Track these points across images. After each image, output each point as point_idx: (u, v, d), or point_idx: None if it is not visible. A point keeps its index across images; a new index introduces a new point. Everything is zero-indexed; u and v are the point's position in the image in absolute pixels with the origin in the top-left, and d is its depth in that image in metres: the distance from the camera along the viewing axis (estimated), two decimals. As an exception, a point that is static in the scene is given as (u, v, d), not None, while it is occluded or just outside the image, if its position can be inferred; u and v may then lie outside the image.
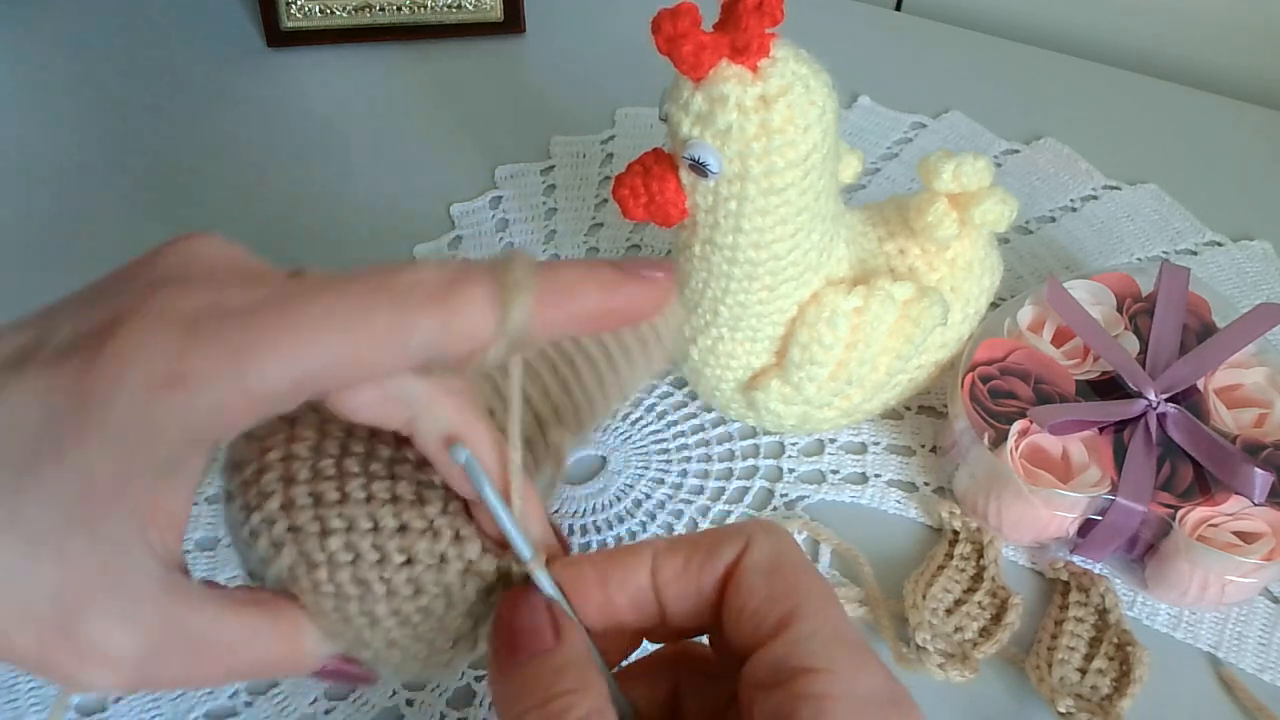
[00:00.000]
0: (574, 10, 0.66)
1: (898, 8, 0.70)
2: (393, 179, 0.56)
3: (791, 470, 0.44)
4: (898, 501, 0.43)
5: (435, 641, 0.26)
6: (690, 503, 0.43)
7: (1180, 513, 0.37)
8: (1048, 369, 0.40)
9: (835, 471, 0.44)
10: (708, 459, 0.44)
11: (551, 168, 0.56)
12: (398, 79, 0.62)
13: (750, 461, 0.44)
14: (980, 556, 0.40)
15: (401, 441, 0.25)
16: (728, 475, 0.44)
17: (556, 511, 0.42)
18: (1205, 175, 0.56)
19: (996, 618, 0.38)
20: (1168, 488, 0.37)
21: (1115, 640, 0.37)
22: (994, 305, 0.50)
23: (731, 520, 0.42)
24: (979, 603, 0.38)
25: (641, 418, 0.45)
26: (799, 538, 0.41)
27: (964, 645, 0.37)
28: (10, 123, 0.59)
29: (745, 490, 0.43)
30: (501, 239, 0.53)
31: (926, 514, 0.42)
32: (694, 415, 0.46)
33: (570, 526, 0.42)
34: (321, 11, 0.62)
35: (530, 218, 0.54)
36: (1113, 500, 0.37)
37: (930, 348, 0.41)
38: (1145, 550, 0.39)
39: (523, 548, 0.25)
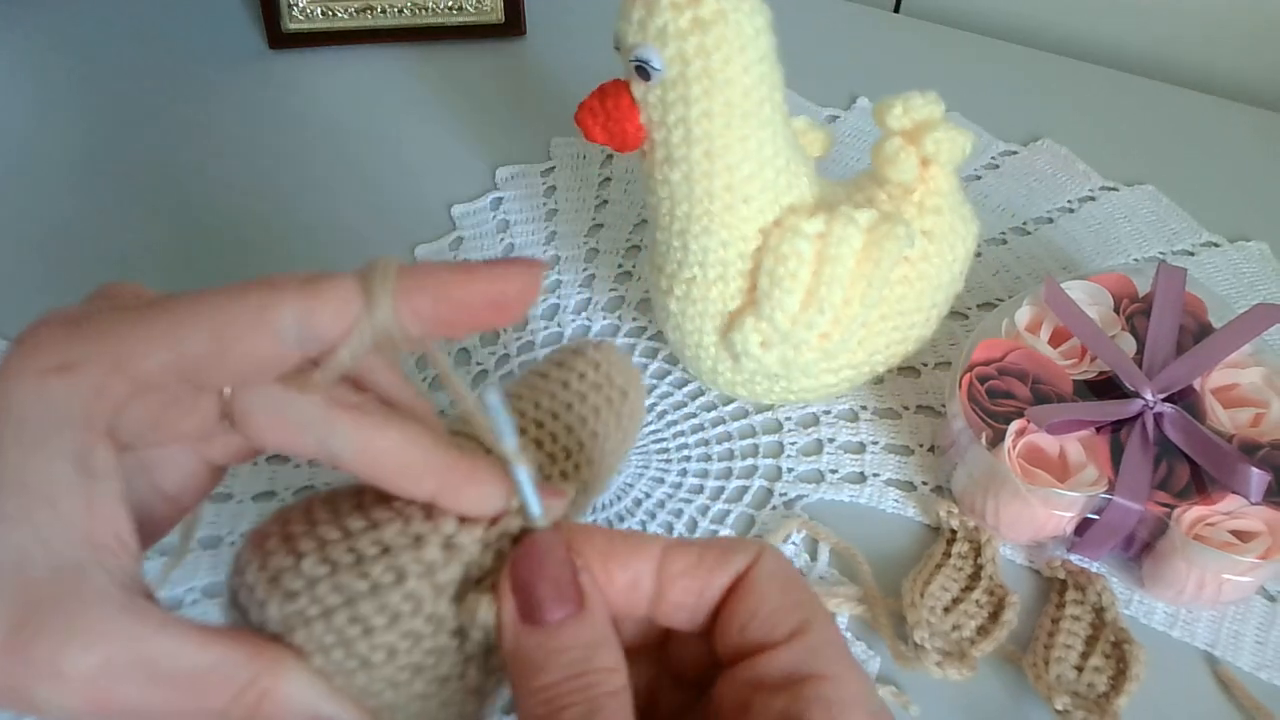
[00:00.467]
0: (574, 12, 0.66)
1: (896, 9, 0.70)
2: (394, 180, 0.56)
3: (790, 469, 0.44)
4: (896, 500, 0.43)
5: (448, 687, 0.25)
6: (690, 502, 0.43)
7: (1177, 512, 0.37)
8: (1045, 369, 0.41)
9: (834, 471, 0.44)
10: (707, 458, 0.44)
11: (552, 169, 0.57)
12: (399, 81, 0.62)
13: (749, 461, 0.44)
14: (978, 555, 0.40)
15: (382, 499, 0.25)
16: (727, 474, 0.44)
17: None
18: (1202, 176, 0.56)
19: (994, 616, 0.38)
20: (1164, 487, 0.38)
21: (1112, 638, 0.37)
22: (991, 305, 0.50)
23: (731, 520, 0.42)
24: (976, 601, 0.39)
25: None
26: (798, 537, 0.42)
27: (962, 643, 0.37)
28: (11, 123, 0.59)
29: (744, 489, 0.43)
30: (502, 240, 0.53)
31: (924, 513, 0.42)
32: (693, 415, 0.46)
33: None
34: (323, 13, 0.63)
35: (531, 219, 0.54)
36: (1110, 499, 0.37)
37: (910, 295, 0.41)
38: (1142, 549, 0.39)
39: (534, 503, 0.24)
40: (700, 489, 0.43)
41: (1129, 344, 0.41)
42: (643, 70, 0.36)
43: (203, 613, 0.39)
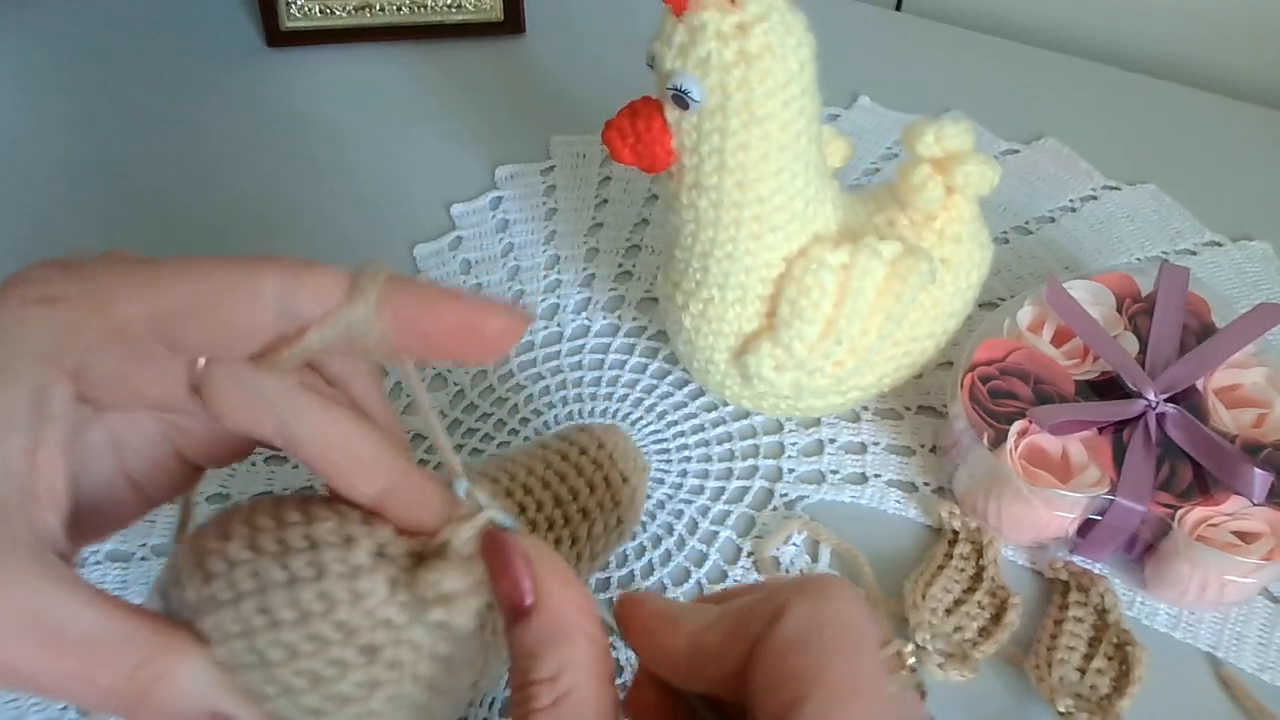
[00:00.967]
0: (574, 10, 0.66)
1: (898, 8, 0.70)
2: (393, 179, 0.56)
3: (791, 470, 0.44)
4: (897, 501, 0.43)
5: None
6: (690, 503, 0.43)
7: (1179, 513, 0.37)
8: (1047, 369, 0.40)
9: (835, 471, 0.44)
10: (708, 459, 0.44)
11: (552, 168, 0.56)
12: (398, 79, 0.62)
13: (750, 461, 0.44)
14: (980, 556, 0.40)
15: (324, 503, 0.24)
16: (728, 475, 0.44)
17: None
18: (1205, 175, 0.56)
19: (996, 618, 0.38)
20: (1167, 488, 0.37)
21: (1114, 640, 0.37)
22: (993, 305, 0.50)
23: (732, 520, 0.42)
24: (979, 602, 0.38)
25: (641, 418, 0.45)
26: (799, 538, 0.41)
27: (964, 645, 0.37)
28: (10, 122, 0.59)
29: (745, 490, 0.43)
30: (502, 239, 0.53)
31: (926, 514, 0.42)
32: (694, 415, 0.46)
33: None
34: (321, 11, 0.62)
35: (530, 218, 0.54)
36: (1112, 500, 0.37)
37: (924, 321, 0.41)
38: (1145, 550, 0.39)
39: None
40: (701, 489, 0.43)
41: (1131, 344, 0.41)
42: (680, 99, 0.35)
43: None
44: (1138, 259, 0.52)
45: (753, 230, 0.37)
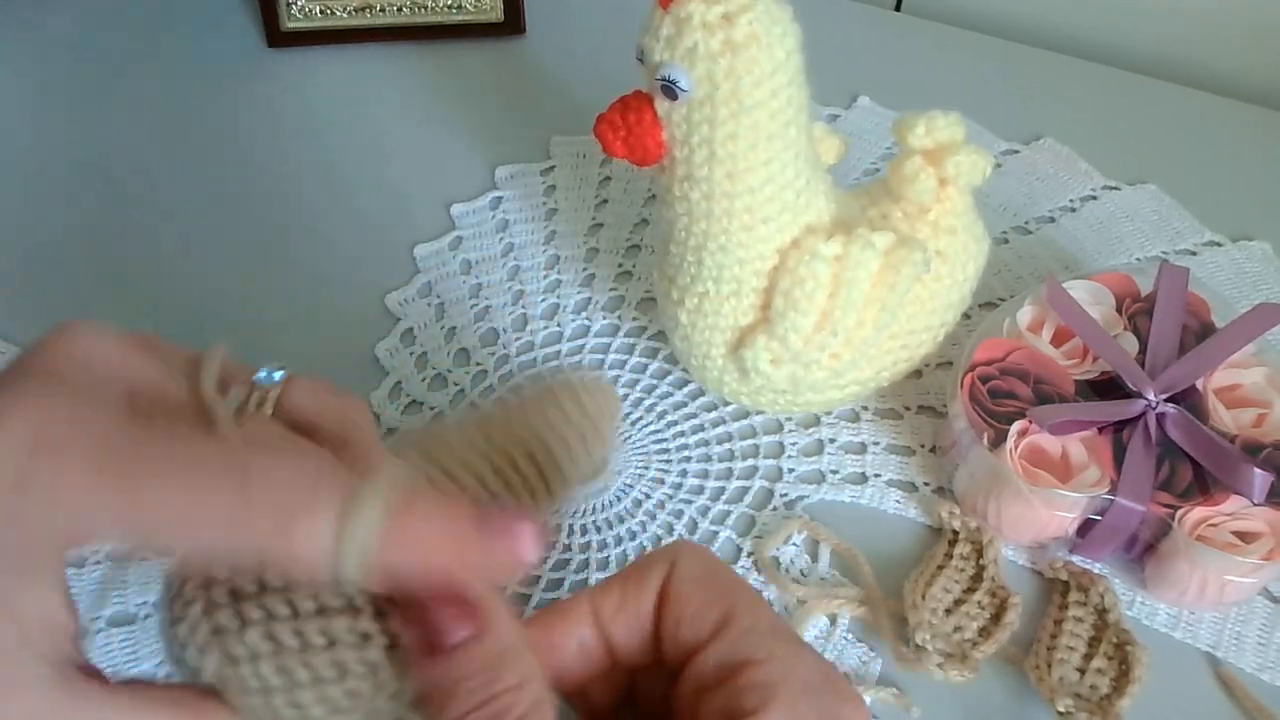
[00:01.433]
0: (574, 11, 0.66)
1: (898, 8, 0.70)
2: (393, 179, 0.56)
3: (791, 470, 0.44)
4: (897, 501, 0.43)
5: None
6: (690, 503, 0.43)
7: (1179, 513, 0.37)
8: (1047, 369, 0.40)
9: (835, 471, 0.44)
10: (708, 459, 0.44)
11: (552, 168, 0.56)
12: (398, 79, 0.62)
13: (750, 461, 0.44)
14: (980, 556, 0.40)
15: None
16: (728, 475, 0.44)
17: (555, 511, 0.42)
18: (1204, 175, 0.56)
19: (996, 617, 0.38)
20: (1167, 488, 0.37)
21: (1114, 640, 0.37)
22: (993, 305, 0.50)
23: (731, 520, 0.42)
24: (978, 602, 0.38)
25: (642, 418, 0.45)
26: (798, 538, 0.41)
27: (963, 645, 0.37)
28: (10, 122, 0.59)
29: (745, 490, 0.43)
30: (502, 239, 0.53)
31: (926, 514, 0.42)
32: (694, 415, 0.46)
33: (570, 527, 0.42)
34: (322, 12, 0.62)
35: (530, 218, 0.54)
36: (1112, 500, 0.37)
37: (921, 314, 0.41)
38: (1144, 550, 0.39)
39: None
40: (701, 489, 0.43)
41: (1131, 344, 0.41)
42: (669, 89, 0.35)
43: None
44: (1137, 259, 0.52)
45: (744, 221, 0.37)
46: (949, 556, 0.40)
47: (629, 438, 0.45)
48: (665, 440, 0.45)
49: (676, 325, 0.42)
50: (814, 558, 0.41)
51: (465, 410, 0.30)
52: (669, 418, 0.46)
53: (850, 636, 0.39)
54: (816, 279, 0.37)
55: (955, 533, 0.41)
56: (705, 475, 0.44)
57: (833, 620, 0.39)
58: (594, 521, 0.42)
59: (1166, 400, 0.39)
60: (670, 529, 0.42)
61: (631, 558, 0.41)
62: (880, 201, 0.40)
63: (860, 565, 0.40)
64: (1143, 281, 0.44)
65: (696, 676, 0.23)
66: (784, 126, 0.36)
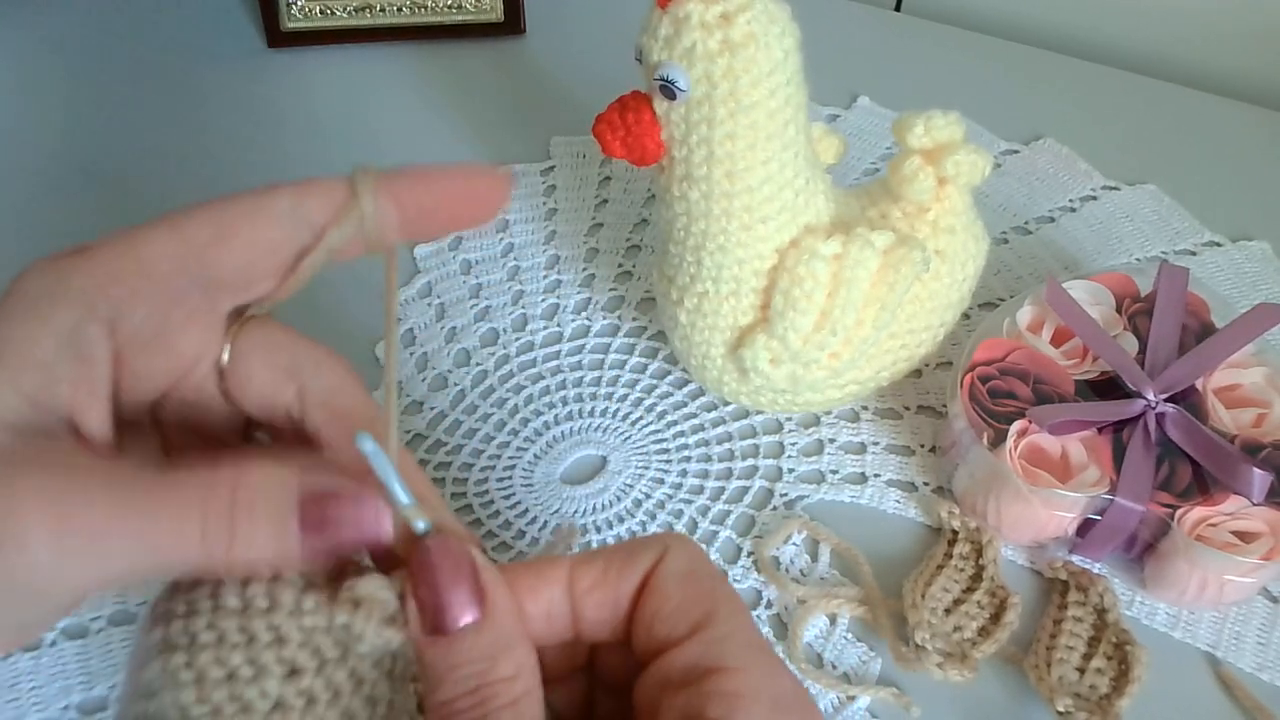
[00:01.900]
0: (574, 10, 0.66)
1: (898, 8, 0.70)
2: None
3: (791, 470, 0.44)
4: (897, 501, 0.43)
5: None
6: (690, 503, 0.43)
7: (1179, 512, 0.37)
8: (1047, 369, 0.40)
9: (835, 471, 0.44)
10: (708, 459, 0.44)
11: (551, 168, 0.57)
12: (398, 80, 0.62)
13: (750, 461, 0.44)
14: (979, 556, 0.40)
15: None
16: (728, 475, 0.44)
17: (556, 512, 0.42)
18: (1204, 176, 0.56)
19: (995, 617, 0.38)
20: (1166, 487, 0.38)
21: (1114, 639, 0.37)
22: (993, 305, 0.50)
23: (731, 520, 0.42)
24: (978, 602, 0.38)
25: (641, 418, 0.46)
26: (798, 537, 0.41)
27: (963, 645, 0.37)
28: (9, 122, 0.59)
29: (745, 490, 0.43)
30: (502, 239, 0.53)
31: (926, 514, 0.42)
32: (694, 415, 0.46)
33: (570, 527, 0.42)
34: (322, 12, 0.62)
35: (530, 218, 0.54)
36: (1111, 500, 0.37)
37: (920, 313, 0.41)
38: (1144, 550, 0.39)
39: (401, 495, 0.23)
40: (700, 489, 0.43)
41: (1131, 344, 0.41)
42: (667, 89, 0.35)
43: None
44: (1137, 259, 0.52)
45: (743, 221, 0.37)
46: (948, 556, 0.40)
47: (629, 438, 0.45)
48: (665, 440, 0.45)
49: (676, 325, 0.42)
50: (814, 557, 0.41)
51: None
52: (669, 418, 0.46)
53: (850, 636, 0.39)
54: (816, 278, 0.37)
55: (955, 532, 0.41)
56: (705, 475, 0.44)
57: (832, 620, 0.39)
58: (594, 522, 0.42)
59: (1166, 400, 0.39)
60: (670, 529, 0.42)
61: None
62: (879, 201, 0.40)
63: (860, 565, 0.40)
64: (1142, 281, 0.44)
65: (664, 672, 0.23)
66: (783, 126, 0.36)
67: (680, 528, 0.42)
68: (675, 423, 0.45)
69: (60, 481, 0.20)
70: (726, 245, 0.38)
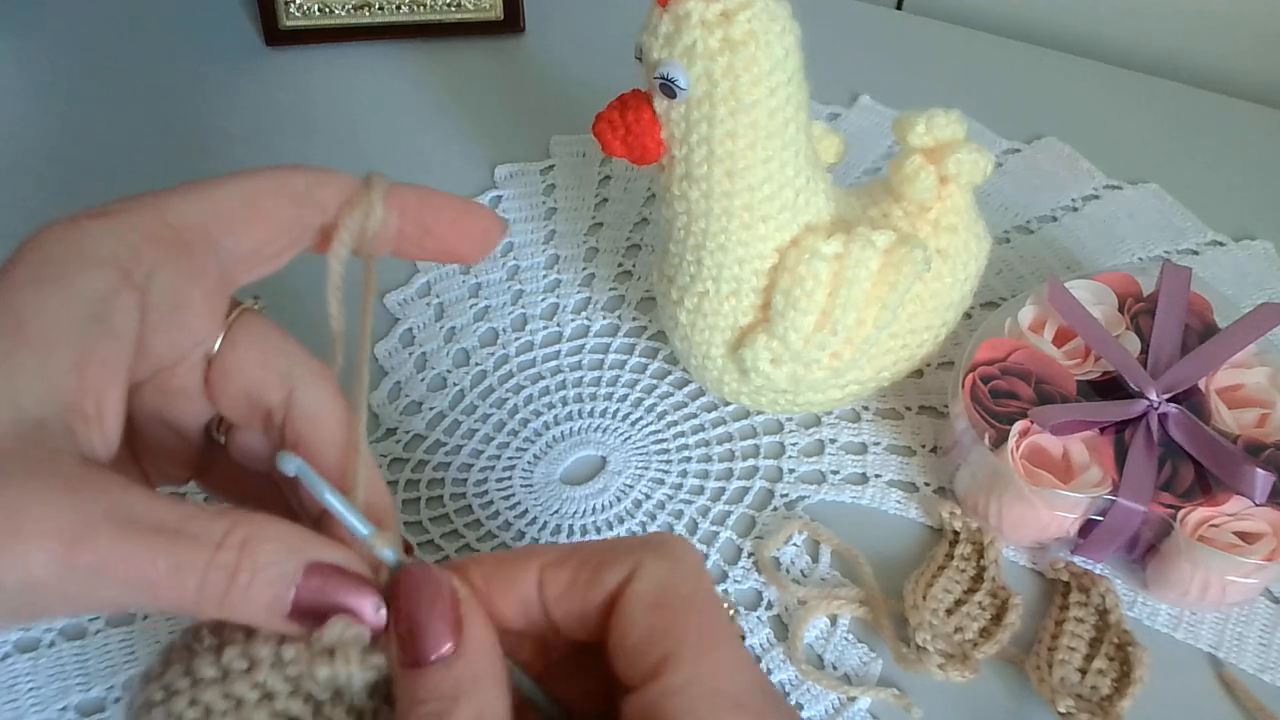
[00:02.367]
0: (574, 10, 0.66)
1: (898, 7, 0.70)
2: (392, 178, 0.56)
3: (792, 470, 0.44)
4: (898, 502, 0.42)
5: None
6: (690, 503, 0.43)
7: (1181, 513, 0.37)
8: (1049, 369, 0.40)
9: (835, 472, 0.43)
10: (708, 459, 0.44)
11: (551, 167, 0.56)
12: (397, 78, 0.62)
13: (750, 462, 0.44)
14: (981, 557, 0.40)
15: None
16: (728, 475, 0.44)
17: (556, 512, 0.42)
18: (1207, 175, 0.56)
19: (997, 618, 0.38)
20: (1169, 488, 0.37)
21: (1115, 640, 0.37)
22: (995, 305, 0.50)
23: (732, 521, 0.42)
24: (979, 603, 0.38)
25: (641, 418, 0.45)
26: (799, 538, 0.41)
27: (964, 645, 0.37)
28: (9, 122, 0.59)
29: (745, 490, 0.43)
30: (502, 239, 0.53)
31: (927, 514, 0.42)
32: (694, 415, 0.45)
33: (570, 527, 0.42)
34: (320, 10, 0.62)
35: (530, 217, 0.54)
36: (1114, 500, 0.37)
37: (922, 313, 0.41)
38: (1146, 550, 0.39)
39: (360, 527, 0.22)
40: (701, 490, 0.43)
41: (1133, 344, 0.41)
42: (667, 87, 0.35)
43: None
44: (1140, 258, 0.52)
45: (744, 220, 0.37)
46: (950, 557, 0.40)
47: (629, 438, 0.45)
48: (665, 440, 0.45)
49: (676, 325, 0.42)
50: (814, 558, 0.41)
51: None
52: (669, 418, 0.45)
53: (851, 637, 0.39)
54: (817, 278, 0.37)
55: (956, 533, 0.41)
56: (705, 475, 0.44)
57: (833, 621, 0.39)
58: (594, 522, 0.42)
59: (1168, 400, 0.39)
60: (670, 529, 0.42)
61: (631, 558, 0.41)
62: (881, 200, 0.40)
63: (861, 566, 0.40)
64: (1145, 281, 0.43)
65: (627, 711, 0.21)
66: (783, 125, 0.36)
67: (680, 528, 0.42)
68: (675, 423, 0.45)
69: (69, 504, 0.19)
70: (727, 244, 0.38)
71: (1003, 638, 0.37)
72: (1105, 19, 0.66)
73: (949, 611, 0.38)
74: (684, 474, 0.44)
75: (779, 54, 0.35)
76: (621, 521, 0.42)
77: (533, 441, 0.45)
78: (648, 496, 0.43)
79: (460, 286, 0.51)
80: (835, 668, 0.38)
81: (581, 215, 0.54)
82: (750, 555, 0.41)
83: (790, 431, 0.45)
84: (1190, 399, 0.39)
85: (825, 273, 0.37)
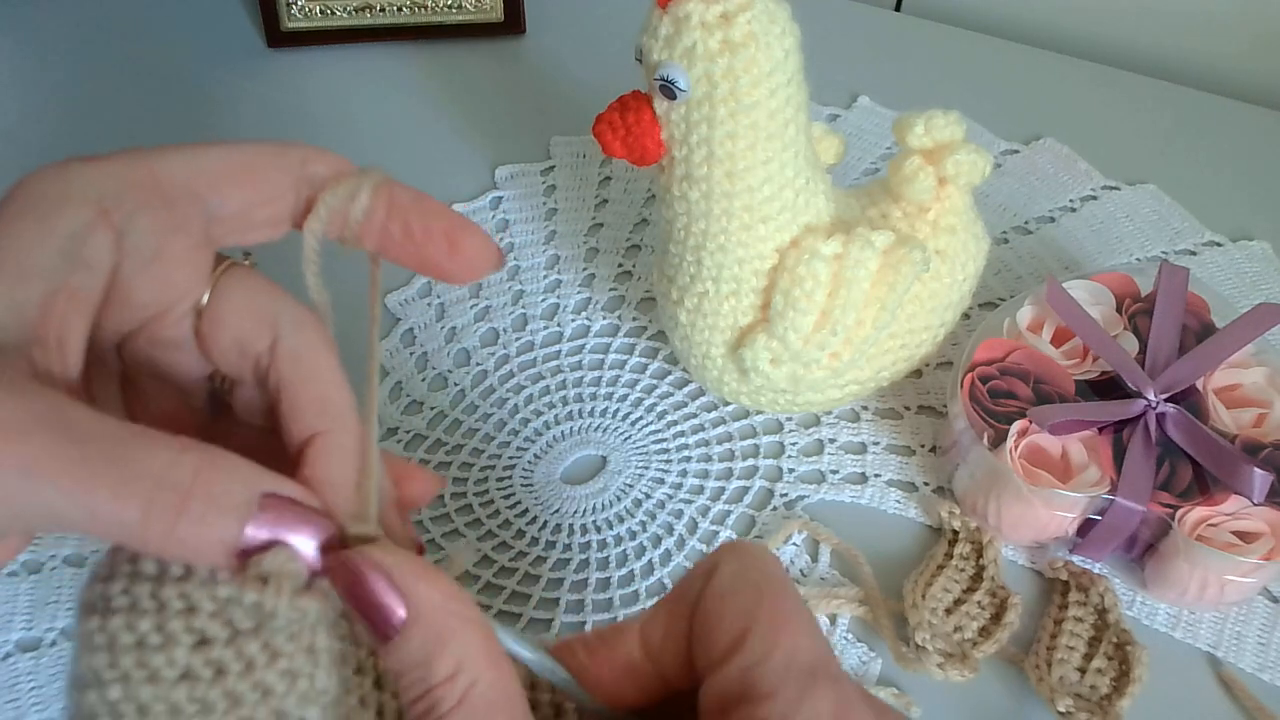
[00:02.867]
0: (574, 10, 0.66)
1: (898, 8, 0.70)
2: (394, 179, 0.56)
3: (791, 470, 0.44)
4: (897, 501, 0.43)
5: None
6: (690, 503, 0.43)
7: (1179, 512, 0.37)
8: (1047, 369, 0.40)
9: (835, 471, 0.44)
10: (708, 459, 0.44)
11: (551, 168, 0.56)
12: (398, 79, 0.62)
13: (750, 461, 0.44)
14: (980, 556, 0.40)
15: None
16: (728, 475, 0.44)
17: (556, 511, 0.42)
18: (1204, 175, 0.56)
19: (996, 617, 0.38)
20: (1167, 487, 0.37)
21: (1114, 640, 0.37)
22: (993, 305, 0.50)
23: (731, 520, 0.42)
24: (978, 602, 0.38)
25: (641, 418, 0.45)
26: (799, 538, 0.41)
27: (963, 645, 0.37)
28: (10, 122, 0.59)
29: (745, 490, 0.43)
30: (502, 239, 0.53)
31: (926, 514, 0.42)
32: (694, 415, 0.46)
33: (571, 526, 0.42)
34: (322, 12, 0.62)
35: (530, 218, 0.54)
36: (1112, 500, 0.37)
37: (920, 313, 0.41)
38: (1144, 550, 0.39)
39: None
40: (701, 489, 0.43)
41: (1131, 344, 0.41)
42: (667, 89, 0.35)
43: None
44: (1137, 259, 0.52)
45: (744, 221, 0.37)
46: (949, 556, 0.40)
47: (629, 438, 0.45)
48: (665, 440, 0.45)
49: (676, 325, 0.42)
50: (814, 558, 0.41)
51: None
52: (669, 418, 0.46)
53: (850, 636, 0.39)
54: (816, 278, 0.37)
55: (955, 532, 0.41)
56: (705, 475, 0.44)
57: (833, 620, 0.39)
58: (594, 521, 0.42)
59: (1166, 400, 0.39)
60: (670, 529, 0.42)
61: (631, 558, 0.41)
62: (880, 201, 0.40)
63: (860, 565, 0.40)
64: (1143, 281, 0.44)
65: (705, 699, 0.22)
66: (783, 126, 0.36)
67: (680, 528, 0.42)
68: (675, 423, 0.45)
69: (5, 401, 0.18)
70: (727, 245, 0.38)
71: (1002, 637, 0.37)
72: (1103, 20, 0.66)
73: (948, 611, 0.38)
74: (684, 473, 0.44)
75: (779, 55, 0.35)
76: (621, 521, 0.42)
77: (533, 441, 0.45)
78: (648, 496, 0.43)
79: (461, 287, 0.51)
80: (835, 667, 0.38)
81: (582, 216, 0.54)
82: (750, 555, 0.41)
83: (790, 431, 0.45)
84: (1188, 399, 0.40)
85: (825, 273, 0.37)
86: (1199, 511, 0.37)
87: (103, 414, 0.19)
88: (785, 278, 0.38)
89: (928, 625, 0.37)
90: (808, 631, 0.22)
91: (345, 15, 0.63)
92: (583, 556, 0.41)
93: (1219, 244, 0.53)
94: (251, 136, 0.58)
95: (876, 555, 0.40)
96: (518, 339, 0.49)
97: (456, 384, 0.47)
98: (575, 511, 0.42)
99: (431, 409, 0.46)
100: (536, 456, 0.44)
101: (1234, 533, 0.36)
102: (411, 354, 0.48)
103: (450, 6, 0.63)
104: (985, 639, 0.37)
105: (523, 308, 0.50)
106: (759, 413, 0.45)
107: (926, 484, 0.43)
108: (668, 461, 0.44)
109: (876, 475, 0.43)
